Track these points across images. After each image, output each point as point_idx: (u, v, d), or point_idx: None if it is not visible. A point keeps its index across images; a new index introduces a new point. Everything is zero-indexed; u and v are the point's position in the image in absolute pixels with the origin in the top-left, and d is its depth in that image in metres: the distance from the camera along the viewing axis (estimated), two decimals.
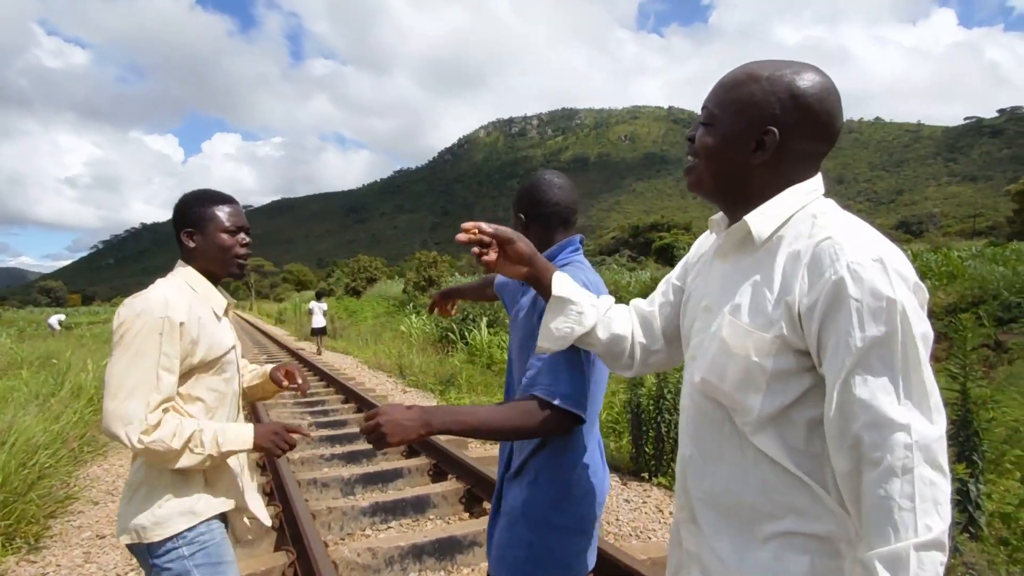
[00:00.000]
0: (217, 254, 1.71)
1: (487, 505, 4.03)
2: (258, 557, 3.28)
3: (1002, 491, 4.06)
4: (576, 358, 1.37)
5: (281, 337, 21.63)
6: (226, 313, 1.77)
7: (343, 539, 3.67)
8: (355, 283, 39.70)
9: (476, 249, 1.24)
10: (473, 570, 3.33)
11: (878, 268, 0.85)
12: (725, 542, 0.98)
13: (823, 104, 0.97)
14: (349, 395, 7.97)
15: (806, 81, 0.97)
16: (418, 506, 4.02)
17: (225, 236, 1.72)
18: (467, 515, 4.08)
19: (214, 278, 1.74)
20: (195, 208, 1.72)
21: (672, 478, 4.61)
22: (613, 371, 1.33)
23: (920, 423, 0.82)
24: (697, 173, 1.08)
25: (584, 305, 1.26)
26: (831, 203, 1.00)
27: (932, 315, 9.98)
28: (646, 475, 4.81)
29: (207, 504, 1.64)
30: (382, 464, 4.96)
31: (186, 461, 1.55)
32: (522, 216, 1.67)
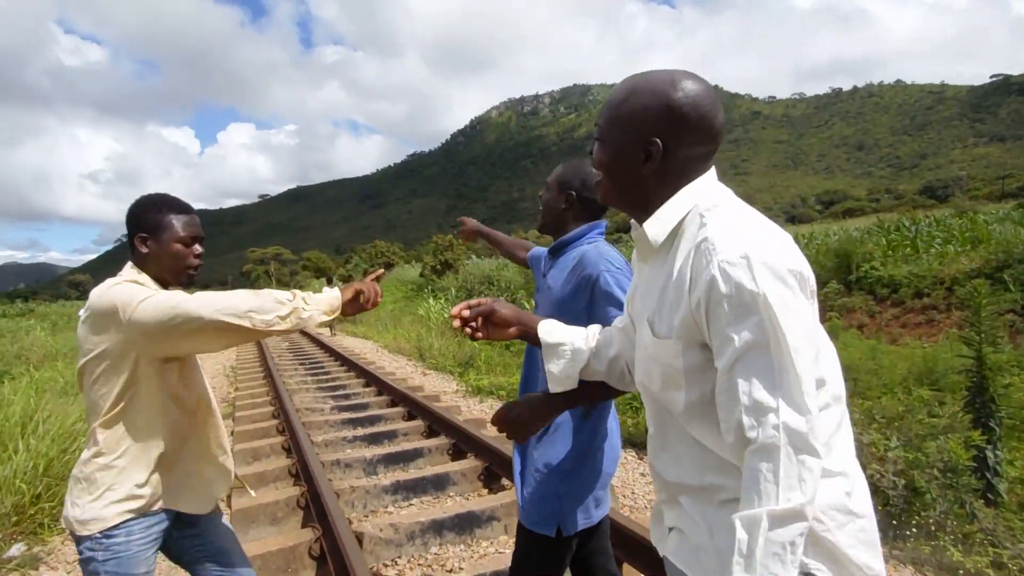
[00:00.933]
0: (170, 262, 1.72)
1: (505, 482, 4.13)
2: (286, 534, 3.42)
3: None
4: None
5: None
6: None
7: (366, 516, 3.80)
8: (373, 268, 40.01)
9: (468, 330, 1.40)
10: (492, 543, 3.44)
11: (743, 264, 0.92)
12: (697, 512, 1.07)
13: (698, 110, 1.04)
14: (370, 379, 8.12)
15: (680, 91, 1.04)
16: (438, 484, 4.13)
17: (179, 246, 1.72)
18: (485, 491, 4.19)
19: (163, 285, 1.73)
20: (151, 214, 1.71)
21: None
22: (619, 389, 1.41)
23: (787, 408, 0.89)
24: (604, 186, 1.17)
25: (575, 343, 1.37)
26: (722, 197, 1.07)
27: (941, 282, 9.84)
28: None
29: (134, 501, 1.64)
30: (403, 444, 5.09)
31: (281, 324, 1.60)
32: (573, 193, 1.76)
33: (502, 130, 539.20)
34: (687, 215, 1.06)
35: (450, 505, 3.85)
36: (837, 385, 1.04)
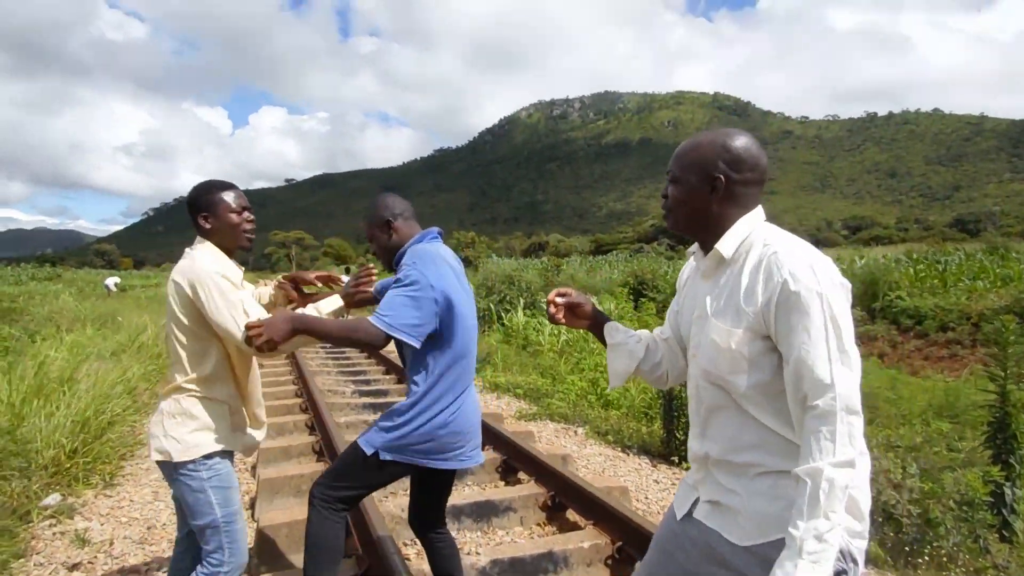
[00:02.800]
0: (229, 231, 2.09)
1: (522, 475, 4.23)
2: None
3: None
4: (410, 301, 2.02)
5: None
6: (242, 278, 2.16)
7: (386, 497, 3.91)
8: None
9: (553, 309, 1.70)
10: (507, 532, 3.54)
11: (809, 271, 1.21)
12: (736, 484, 1.34)
13: (749, 153, 1.37)
14: (389, 366, 8.26)
15: (736, 141, 1.37)
16: (457, 472, 4.22)
17: (233, 216, 2.09)
18: (502, 483, 4.29)
19: (228, 252, 2.11)
20: (205, 196, 2.09)
21: None
22: (656, 387, 1.70)
23: (842, 379, 1.17)
24: (674, 217, 1.47)
25: (632, 348, 1.65)
26: (772, 226, 1.38)
27: (968, 317, 9.70)
28: (676, 459, 4.93)
29: (219, 441, 2.05)
30: None
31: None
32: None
33: (530, 131, 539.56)
34: (747, 237, 1.36)
35: (468, 493, 3.96)
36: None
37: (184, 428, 2.01)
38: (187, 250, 2.10)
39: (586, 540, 3.16)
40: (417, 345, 2.04)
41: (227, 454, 2.13)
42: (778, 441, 1.28)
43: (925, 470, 3.93)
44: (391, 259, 2.32)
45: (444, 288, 2.10)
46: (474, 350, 2.29)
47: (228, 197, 2.09)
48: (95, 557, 3.20)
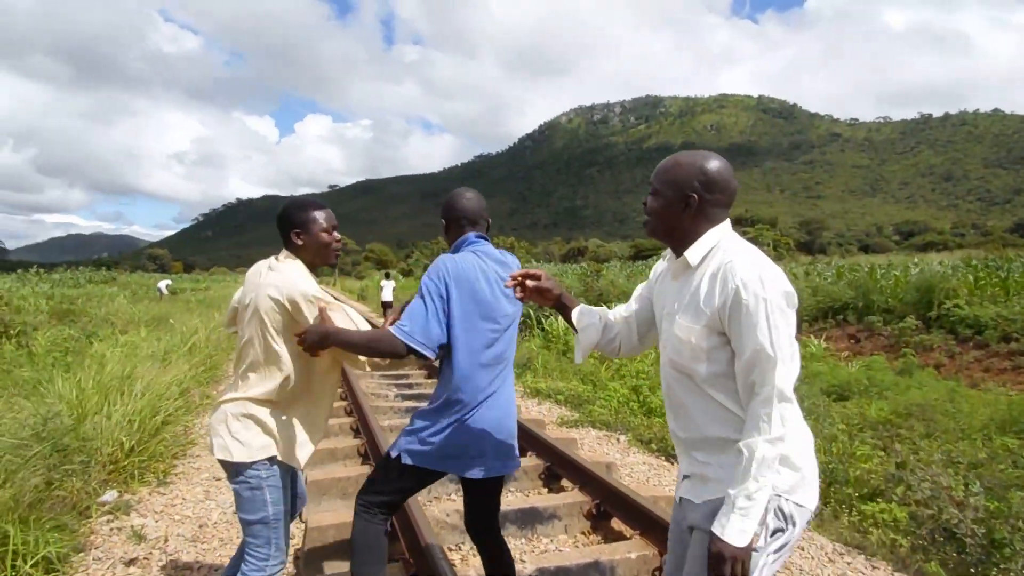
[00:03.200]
0: (320, 249, 2.22)
1: (565, 482, 4.19)
2: None
3: None
4: (425, 311, 2.08)
5: (365, 313, 22.58)
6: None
7: (430, 501, 3.93)
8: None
9: (519, 290, 1.91)
10: (552, 540, 3.50)
11: (758, 281, 1.43)
12: (708, 457, 1.56)
13: (721, 175, 1.57)
14: (431, 371, 8.32)
15: (710, 164, 1.57)
16: (502, 480, 4.21)
17: (324, 235, 2.21)
18: (546, 490, 4.26)
19: (312, 267, 2.23)
20: (300, 213, 2.19)
21: None
22: (607, 355, 1.98)
23: (779, 373, 1.40)
24: (651, 225, 1.68)
25: (597, 325, 1.91)
26: (736, 237, 1.60)
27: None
28: None
29: (279, 450, 2.15)
30: None
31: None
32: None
33: (571, 136, 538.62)
34: (712, 248, 1.57)
35: (512, 499, 3.94)
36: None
37: (250, 432, 2.12)
38: (272, 262, 2.19)
39: (633, 551, 3.10)
40: (431, 355, 2.07)
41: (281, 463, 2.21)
42: (735, 419, 1.51)
43: (990, 488, 3.74)
44: None
45: (453, 297, 2.12)
46: (504, 357, 2.27)
47: (320, 216, 2.20)
48: (150, 553, 3.30)
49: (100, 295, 21.02)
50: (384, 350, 2.03)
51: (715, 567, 1.41)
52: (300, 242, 2.18)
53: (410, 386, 7.60)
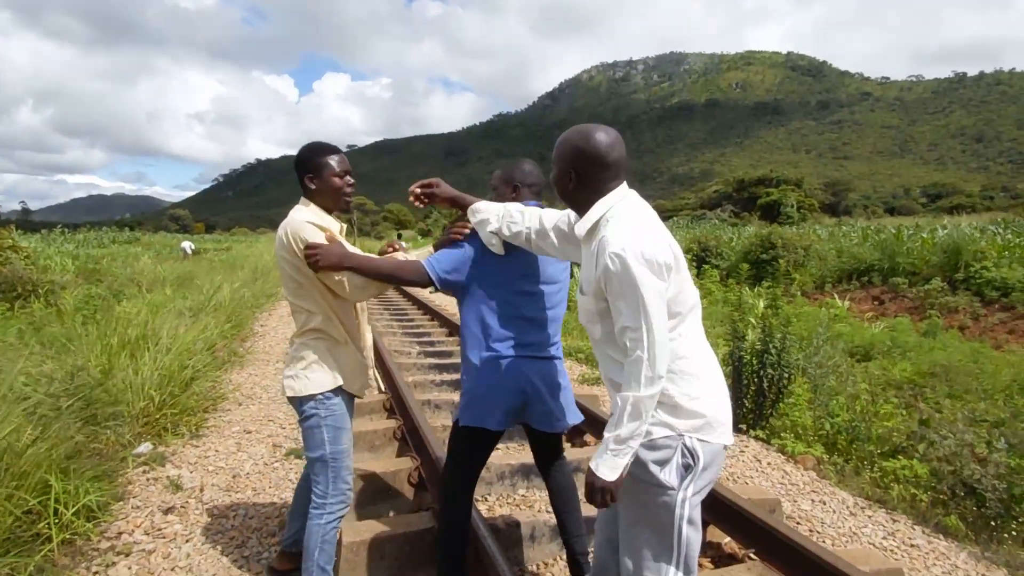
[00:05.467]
0: (331, 193, 2.26)
1: (588, 437, 4.25)
2: (384, 461, 3.68)
3: None
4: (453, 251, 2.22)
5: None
6: (341, 233, 2.34)
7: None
8: (453, 223, 40.56)
9: (417, 202, 2.25)
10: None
11: (622, 254, 1.56)
12: (613, 395, 1.72)
13: (598, 149, 1.70)
14: (452, 328, 8.40)
15: (589, 138, 1.71)
16: (523, 434, 4.29)
17: (336, 179, 2.25)
18: (569, 444, 4.32)
19: (328, 212, 2.29)
20: (313, 158, 2.23)
21: (770, 431, 4.64)
22: (515, 243, 2.13)
23: (647, 335, 1.55)
24: (557, 193, 1.84)
25: (491, 218, 2.12)
26: (624, 207, 1.72)
27: None
28: (744, 427, 4.85)
29: (336, 380, 2.26)
30: None
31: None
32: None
33: (591, 94, 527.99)
34: (600, 218, 1.71)
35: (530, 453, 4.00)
36: (692, 322, 1.74)
37: (303, 367, 2.24)
38: (293, 208, 2.28)
39: None
40: (439, 287, 2.17)
41: (343, 393, 2.31)
42: (621, 367, 1.69)
43: (1013, 445, 3.74)
44: None
45: (484, 252, 2.19)
46: (548, 316, 2.29)
47: (333, 161, 2.24)
48: (187, 502, 3.43)
49: (124, 255, 21.33)
50: (406, 277, 2.18)
51: (589, 496, 1.64)
52: (313, 186, 2.24)
53: (432, 343, 7.69)
